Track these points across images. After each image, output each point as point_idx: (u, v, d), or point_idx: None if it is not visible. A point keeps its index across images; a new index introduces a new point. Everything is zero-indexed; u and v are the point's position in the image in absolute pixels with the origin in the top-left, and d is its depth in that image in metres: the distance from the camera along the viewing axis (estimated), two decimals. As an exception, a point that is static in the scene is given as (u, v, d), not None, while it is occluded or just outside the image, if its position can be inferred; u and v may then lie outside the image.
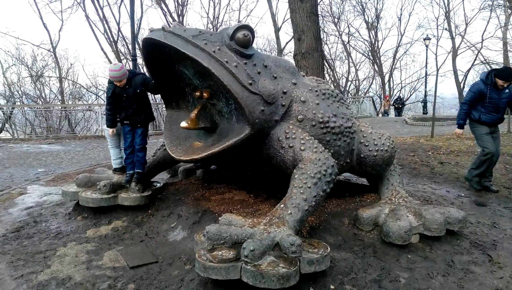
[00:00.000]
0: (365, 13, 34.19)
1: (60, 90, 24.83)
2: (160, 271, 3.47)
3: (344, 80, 36.29)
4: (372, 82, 37.88)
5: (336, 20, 32.59)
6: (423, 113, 25.15)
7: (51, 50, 24.05)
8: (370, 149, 4.21)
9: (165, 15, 22.61)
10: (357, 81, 37.89)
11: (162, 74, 4.09)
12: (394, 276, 3.14)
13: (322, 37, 32.15)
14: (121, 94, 4.61)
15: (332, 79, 33.72)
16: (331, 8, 32.50)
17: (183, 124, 3.91)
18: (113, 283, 3.28)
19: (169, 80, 4.17)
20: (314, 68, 7.87)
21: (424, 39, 24.97)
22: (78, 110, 21.48)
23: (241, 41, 3.66)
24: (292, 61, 7.04)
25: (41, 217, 4.96)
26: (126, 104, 4.66)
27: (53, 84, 28.57)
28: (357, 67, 37.29)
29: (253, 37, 3.79)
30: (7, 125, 24.24)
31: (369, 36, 35.17)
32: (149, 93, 4.87)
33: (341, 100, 4.45)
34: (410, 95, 37.58)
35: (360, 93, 36.33)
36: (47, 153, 11.23)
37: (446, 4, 31.26)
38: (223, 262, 2.77)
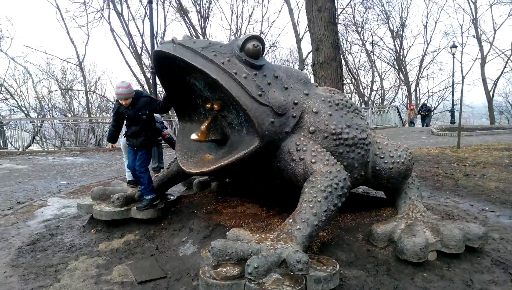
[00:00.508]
0: (389, 22, 33.83)
1: (86, 103, 25.44)
2: (168, 286, 3.43)
3: (369, 89, 35.91)
4: (397, 92, 37.24)
5: (359, 29, 32.31)
6: (451, 123, 24.46)
7: (77, 64, 24.73)
8: (386, 161, 4.06)
9: (188, 28, 22.92)
10: (382, 91, 37.37)
11: (174, 86, 4.08)
12: (407, 296, 2.98)
13: (345, 46, 32.04)
14: (123, 114, 4.59)
15: (356, 89, 33.39)
16: (354, 17, 32.31)
17: (193, 136, 3.88)
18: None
19: (181, 92, 4.16)
20: (332, 78, 7.77)
21: (451, 47, 24.42)
22: (105, 122, 21.93)
23: (251, 52, 3.61)
24: (306, 72, 6.96)
25: (57, 229, 5.01)
26: (127, 124, 4.68)
27: (82, 97, 29.41)
28: (382, 77, 36.82)
29: (263, 47, 3.74)
30: (37, 138, 25.06)
31: (394, 45, 34.75)
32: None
33: (356, 110, 4.33)
34: (438, 104, 36.72)
35: (385, 102, 35.79)
36: (71, 166, 11.46)
37: (473, 11, 30.62)
38: (226, 279, 2.69)
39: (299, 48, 23.63)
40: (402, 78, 35.30)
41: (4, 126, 16.27)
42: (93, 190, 4.89)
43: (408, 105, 27.55)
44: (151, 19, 10.44)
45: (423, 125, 24.48)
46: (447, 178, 7.05)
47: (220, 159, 3.74)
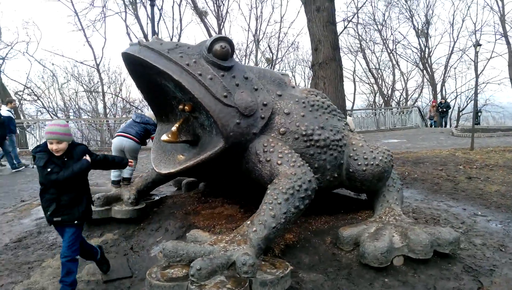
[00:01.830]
0: (413, 19, 33.09)
1: (103, 104, 26.04)
2: (130, 286, 3.46)
3: (395, 89, 35.26)
4: (421, 92, 36.38)
5: (380, 27, 31.74)
6: (476, 124, 23.64)
7: (95, 66, 25.32)
8: (359, 163, 3.96)
9: (208, 30, 23.11)
10: (405, 91, 36.59)
11: (148, 87, 4.11)
12: (361, 302, 2.90)
13: (364, 46, 31.55)
14: (52, 171, 3.08)
15: (377, 89, 32.83)
16: (374, 15, 31.78)
17: (164, 137, 3.90)
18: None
19: (156, 93, 4.17)
20: (331, 78, 7.66)
21: (474, 46, 23.60)
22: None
23: (219, 53, 3.60)
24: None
25: (46, 228, 5.11)
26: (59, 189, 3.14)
27: (108, 99, 30.12)
28: (407, 76, 36.05)
29: (232, 48, 3.72)
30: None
31: (419, 43, 33.95)
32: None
33: (333, 111, 4.26)
34: (467, 104, 35.59)
35: (409, 103, 35.02)
36: (82, 165, 11.70)
37: (501, 8, 29.58)
38: (171, 281, 2.69)
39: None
40: (427, 77, 34.46)
41: (25, 127, 16.73)
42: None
43: (431, 102, 26.67)
44: (152, 20, 10.59)
45: (440, 123, 23.59)
46: (447, 180, 6.83)
47: (188, 160, 3.75)
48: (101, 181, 5.82)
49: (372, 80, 34.82)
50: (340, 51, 8.53)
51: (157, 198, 5.20)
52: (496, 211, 5.12)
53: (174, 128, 3.93)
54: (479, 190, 6.15)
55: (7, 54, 24.39)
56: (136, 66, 3.73)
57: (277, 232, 3.16)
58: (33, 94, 28.60)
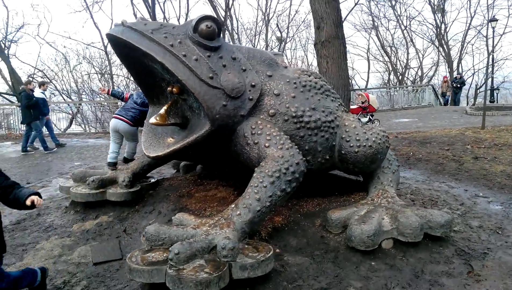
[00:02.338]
0: (429, -6, 32.05)
1: (112, 86, 26.12)
2: (119, 268, 3.48)
3: (408, 67, 34.47)
4: (436, 69, 35.53)
5: (393, 3, 30.85)
6: (490, 102, 23.00)
7: (103, 48, 25.30)
8: (351, 145, 3.87)
9: (215, 9, 22.77)
10: (420, 69, 35.77)
11: (136, 69, 4.05)
12: (344, 286, 2.86)
13: (377, 23, 30.74)
14: None
15: (390, 68, 32.18)
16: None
17: (152, 120, 3.86)
18: (69, 279, 3.33)
19: (144, 76, 4.11)
20: (335, 57, 7.47)
21: (490, 21, 22.81)
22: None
23: (205, 33, 3.52)
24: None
25: (46, 210, 5.18)
26: None
27: (121, 81, 30.14)
28: (422, 54, 35.18)
29: (219, 28, 3.62)
30: (78, 120, 26.19)
31: (434, 19, 32.96)
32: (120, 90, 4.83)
33: (326, 92, 4.14)
34: (484, 82, 34.59)
35: (425, 81, 34.27)
36: (90, 147, 11.85)
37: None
38: (150, 265, 2.68)
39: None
40: (444, 55, 33.57)
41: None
42: (74, 172, 5.02)
43: (443, 77, 25.91)
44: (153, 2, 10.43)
45: (454, 100, 22.80)
46: (452, 161, 6.68)
47: (175, 143, 3.71)
48: (98, 164, 5.85)
49: (386, 58, 34.12)
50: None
51: (153, 180, 5.20)
52: (498, 192, 4.99)
53: (162, 111, 3.87)
54: (484, 171, 6.00)
55: (14, 36, 24.48)
56: (122, 47, 3.67)
57: (262, 216, 3.11)
58: (45, 77, 28.81)
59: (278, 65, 4.12)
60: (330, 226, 3.49)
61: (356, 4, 22.24)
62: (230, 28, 25.16)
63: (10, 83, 21.65)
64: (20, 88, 11.94)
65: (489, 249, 3.41)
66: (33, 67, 25.91)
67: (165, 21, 20.86)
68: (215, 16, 22.30)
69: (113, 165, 5.07)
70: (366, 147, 3.85)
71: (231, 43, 24.84)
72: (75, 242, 4.07)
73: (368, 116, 14.03)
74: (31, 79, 13.47)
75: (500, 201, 4.65)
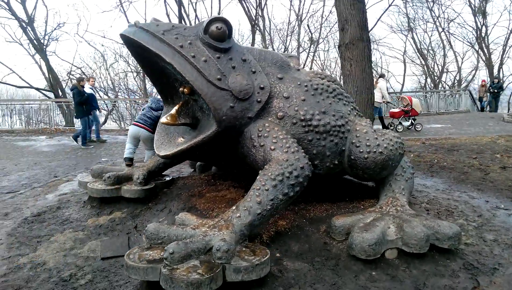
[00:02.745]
0: (470, -4, 30.97)
1: (144, 85, 26.68)
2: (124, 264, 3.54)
3: (446, 71, 33.44)
4: (475, 74, 34.28)
5: (431, 4, 30.00)
6: (532, 109, 21.93)
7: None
8: (361, 150, 3.79)
9: (248, 10, 22.89)
10: (459, 73, 34.61)
11: (151, 69, 4.13)
12: (340, 295, 2.80)
13: (412, 25, 29.91)
14: None
15: (427, 71, 31.29)
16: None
17: (163, 119, 3.92)
18: (75, 272, 3.43)
19: (159, 76, 4.19)
20: (359, 59, 7.36)
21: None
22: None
23: (215, 34, 3.55)
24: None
25: (66, 203, 5.37)
26: None
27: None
28: (462, 57, 34.03)
29: (230, 29, 3.65)
30: (114, 117, 27.02)
31: (475, 22, 31.79)
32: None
33: (338, 95, 4.08)
34: (529, 87, 33.03)
35: (464, 85, 33.15)
36: (119, 144, 12.16)
37: None
38: (146, 263, 2.72)
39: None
40: (484, 59, 32.34)
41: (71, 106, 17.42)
42: (93, 168, 5.17)
43: (481, 81, 24.84)
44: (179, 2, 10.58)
45: (490, 106, 21.75)
46: (478, 170, 6.42)
47: (184, 143, 3.75)
48: (118, 161, 6.00)
49: (423, 61, 33.23)
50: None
51: (168, 179, 5.28)
52: (523, 205, 4.75)
53: (173, 111, 3.93)
54: (510, 181, 5.73)
55: (54, 34, 25.44)
56: (135, 47, 3.74)
57: (262, 219, 3.11)
58: (83, 74, 29.85)
59: (290, 68, 4.10)
60: (334, 233, 3.44)
61: (390, 5, 21.73)
62: (262, 28, 25.20)
63: (48, 79, 22.51)
64: (72, 85, 12.74)
65: (500, 264, 3.25)
66: (71, 64, 26.81)
67: (196, 21, 21.18)
68: (249, 15, 22.39)
69: (129, 160, 5.20)
70: (376, 153, 3.77)
71: (257, 45, 24.90)
72: (88, 236, 4.19)
73: (410, 120, 13.75)
74: (83, 76, 14.14)
75: (523, 214, 4.43)
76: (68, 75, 26.77)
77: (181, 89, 3.92)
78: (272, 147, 3.44)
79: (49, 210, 5.16)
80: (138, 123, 5.43)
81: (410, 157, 7.54)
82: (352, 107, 4.20)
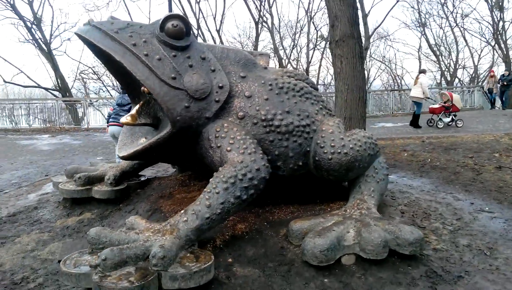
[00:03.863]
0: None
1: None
2: (78, 268, 3.46)
3: (460, 68, 32.70)
4: (490, 70, 33.35)
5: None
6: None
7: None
8: (325, 151, 3.63)
9: (257, 8, 22.73)
10: (475, 70, 33.77)
11: (113, 68, 4.04)
12: (284, 304, 2.67)
13: (424, 20, 29.28)
14: None
15: (441, 68, 30.63)
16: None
17: (123, 119, 3.83)
18: (28, 275, 3.37)
19: (123, 75, 4.09)
20: (349, 57, 7.14)
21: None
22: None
23: (171, 32, 3.44)
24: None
25: (44, 203, 5.34)
26: None
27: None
28: (478, 53, 33.20)
29: (187, 27, 3.54)
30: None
31: (491, 17, 30.92)
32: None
33: (306, 94, 3.93)
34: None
35: (478, 82, 32.33)
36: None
37: None
38: (80, 269, 2.63)
39: (365, 24, 22.13)
40: (501, 55, 31.47)
41: (76, 105, 17.56)
42: (67, 168, 5.13)
43: (489, 71, 23.88)
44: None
45: (501, 99, 20.88)
46: (470, 170, 6.17)
47: (141, 144, 3.66)
48: (94, 161, 5.95)
49: (436, 58, 32.55)
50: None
51: (143, 179, 5.20)
52: (507, 208, 4.52)
53: (133, 111, 3.84)
54: (502, 182, 5.48)
55: (62, 34, 25.65)
56: (92, 46, 3.66)
57: (211, 223, 2.98)
58: (95, 73, 30.15)
59: (255, 66, 3.96)
60: (291, 237, 3.30)
61: (398, 1, 21.26)
62: (270, 25, 25.01)
63: (55, 79, 22.72)
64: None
65: (467, 272, 3.07)
66: (79, 62, 27.08)
67: (202, 20, 21.14)
68: (252, 13, 22.13)
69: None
70: (341, 154, 3.60)
71: (265, 43, 24.64)
72: (52, 238, 4.14)
73: (451, 116, 13.47)
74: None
75: (505, 217, 4.20)
76: (80, 74, 27.08)
77: (142, 88, 3.82)
78: (229, 148, 3.32)
79: (25, 210, 5.13)
80: (114, 123, 5.40)
81: (403, 157, 7.32)
82: (321, 106, 4.04)
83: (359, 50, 7.22)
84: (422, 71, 14.63)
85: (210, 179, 3.16)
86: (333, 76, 7.76)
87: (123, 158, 3.70)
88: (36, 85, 22.75)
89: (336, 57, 7.30)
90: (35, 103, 17.37)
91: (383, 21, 36.63)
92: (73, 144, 11.80)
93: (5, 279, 3.33)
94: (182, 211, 3.05)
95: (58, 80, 21.65)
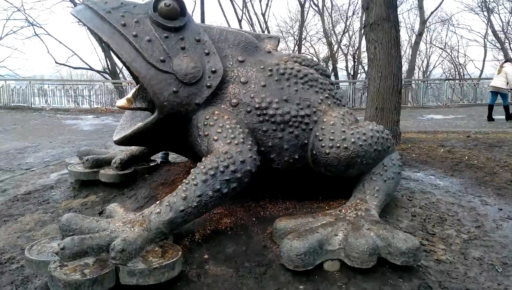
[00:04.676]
0: None
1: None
2: (64, 251, 3.44)
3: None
4: None
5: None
6: None
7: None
8: (323, 144, 3.32)
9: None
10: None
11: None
12: (248, 310, 2.45)
13: (489, 4, 27.04)
14: None
15: (507, 57, 28.27)
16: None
17: (118, 103, 3.74)
18: (15, 256, 3.37)
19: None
20: (384, 42, 6.67)
21: None
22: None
23: (164, 12, 3.28)
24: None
25: (60, 184, 5.44)
26: None
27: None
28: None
29: (182, 7, 3.36)
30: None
31: None
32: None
33: (309, 82, 3.62)
34: None
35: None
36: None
37: None
38: (43, 257, 2.57)
39: (421, 8, 20.78)
40: None
41: (124, 87, 18.03)
42: (79, 150, 5.17)
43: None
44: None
45: None
46: (510, 171, 5.54)
47: (129, 129, 3.55)
48: (109, 144, 5.97)
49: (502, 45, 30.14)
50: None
51: (153, 164, 5.14)
52: (543, 217, 3.97)
53: (130, 94, 3.73)
54: (545, 186, 4.86)
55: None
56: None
57: (186, 217, 2.80)
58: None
59: (257, 50, 3.70)
60: (274, 236, 3.06)
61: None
62: (321, 7, 24.25)
63: (105, 62, 23.43)
64: None
65: (467, 289, 2.69)
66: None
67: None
68: None
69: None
70: (340, 148, 3.27)
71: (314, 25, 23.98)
72: (52, 219, 4.17)
73: None
74: None
75: (537, 228, 3.69)
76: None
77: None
78: (215, 138, 3.11)
79: (41, 189, 5.25)
80: None
81: (438, 153, 6.75)
82: (327, 95, 3.70)
83: (395, 34, 6.71)
84: (508, 60, 13.47)
85: (192, 170, 2.98)
86: (367, 63, 7.28)
87: (115, 142, 3.61)
88: (87, 67, 23.71)
89: (369, 42, 6.86)
90: (83, 84, 18.05)
91: (440, 3, 34.20)
92: (113, 126, 12.09)
93: (-6, 257, 3.37)
94: (157, 202, 2.90)
95: (108, 63, 22.38)
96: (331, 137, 3.31)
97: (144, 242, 2.64)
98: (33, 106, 17.69)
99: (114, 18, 3.24)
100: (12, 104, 17.92)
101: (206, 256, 2.93)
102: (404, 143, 7.51)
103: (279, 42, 4.11)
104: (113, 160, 4.72)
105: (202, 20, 14.37)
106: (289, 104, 3.39)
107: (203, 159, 3.00)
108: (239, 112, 3.36)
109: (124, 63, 3.23)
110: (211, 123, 3.21)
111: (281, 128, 3.34)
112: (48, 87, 17.98)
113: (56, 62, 24.22)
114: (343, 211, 3.23)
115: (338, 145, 3.28)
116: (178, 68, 3.21)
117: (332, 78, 29.23)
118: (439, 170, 5.71)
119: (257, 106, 3.33)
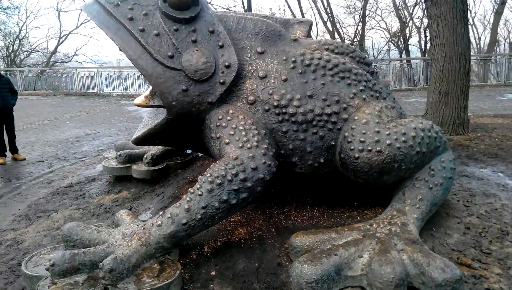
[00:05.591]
0: None
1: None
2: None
3: None
4: None
5: None
6: None
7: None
8: (352, 147, 2.86)
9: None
10: None
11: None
12: None
13: None
14: None
15: None
16: None
17: (136, 100, 3.54)
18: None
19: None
20: (448, 17, 5.87)
21: None
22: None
23: (174, 2, 3.00)
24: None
25: (102, 176, 5.48)
26: None
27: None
28: None
29: (195, -6, 3.03)
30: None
31: None
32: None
33: (340, 73, 3.14)
34: None
35: None
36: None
37: None
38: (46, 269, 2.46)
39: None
40: None
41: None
42: (116, 144, 5.12)
43: None
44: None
45: None
46: None
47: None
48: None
49: None
50: None
51: (188, 158, 4.96)
52: None
53: (147, 92, 3.52)
54: None
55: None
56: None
57: (190, 230, 2.55)
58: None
59: (280, 38, 3.29)
60: (291, 253, 2.70)
61: None
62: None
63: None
64: None
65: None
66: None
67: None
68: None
69: None
70: (372, 152, 2.80)
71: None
72: (81, 216, 4.16)
73: None
74: None
75: None
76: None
77: None
78: (227, 141, 2.80)
79: (83, 181, 5.34)
80: None
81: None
82: (362, 88, 3.20)
83: (461, 8, 5.89)
84: None
85: (198, 177, 2.71)
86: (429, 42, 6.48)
87: (132, 142, 3.45)
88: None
89: (431, 18, 6.10)
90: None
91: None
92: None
93: (16, 257, 3.40)
94: (161, 212, 2.67)
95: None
96: (362, 139, 2.84)
97: (141, 259, 2.44)
98: (101, 92, 18.55)
99: (121, 12, 3.01)
100: (83, 91, 18.93)
101: (213, 273, 2.66)
102: (473, 131, 6.64)
103: (310, 27, 3.64)
104: (145, 156, 4.60)
105: (249, 7, 13.81)
106: (313, 101, 2.97)
107: (211, 165, 2.71)
108: (257, 111, 3.01)
109: (130, 60, 3.00)
110: (224, 124, 2.90)
111: (303, 128, 2.94)
112: (114, 74, 18.70)
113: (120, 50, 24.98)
114: (374, 225, 2.78)
115: (369, 148, 2.81)
116: (187, 64, 2.92)
117: (403, 54, 27.37)
118: (511, 165, 4.92)
119: (275, 103, 2.95)
